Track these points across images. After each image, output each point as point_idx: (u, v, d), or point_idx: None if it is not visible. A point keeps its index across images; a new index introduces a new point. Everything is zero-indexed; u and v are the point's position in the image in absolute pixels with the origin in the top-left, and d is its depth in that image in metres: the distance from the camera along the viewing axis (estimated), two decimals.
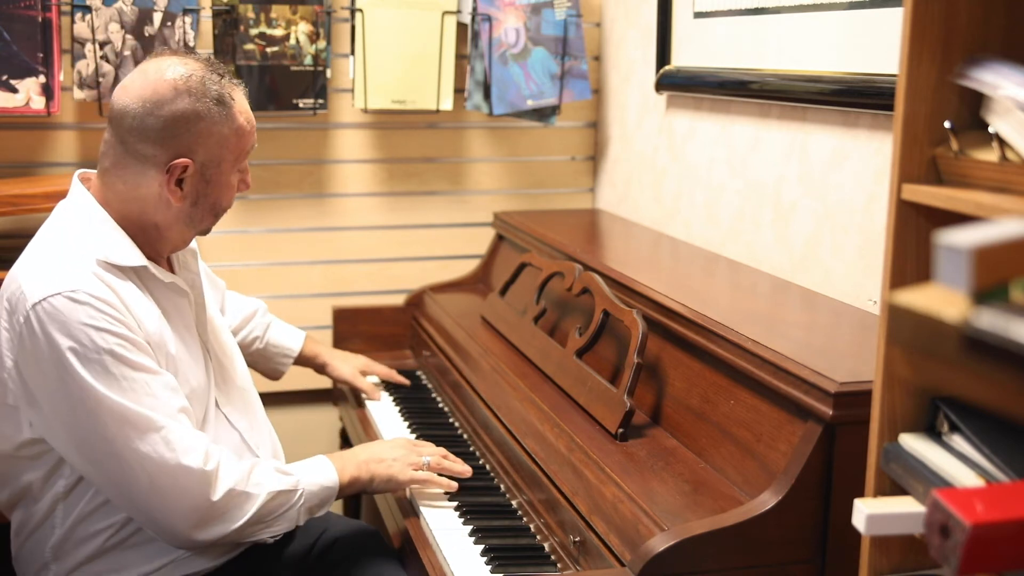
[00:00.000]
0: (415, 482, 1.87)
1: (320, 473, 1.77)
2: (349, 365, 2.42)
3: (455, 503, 1.88)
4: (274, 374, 2.35)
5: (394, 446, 1.90)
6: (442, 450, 1.94)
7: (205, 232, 1.78)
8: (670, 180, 2.64)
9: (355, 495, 1.96)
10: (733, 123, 2.34)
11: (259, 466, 1.70)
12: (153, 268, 1.69)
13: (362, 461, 1.83)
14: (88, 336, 1.54)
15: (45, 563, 1.68)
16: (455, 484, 1.89)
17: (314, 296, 2.86)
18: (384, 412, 2.35)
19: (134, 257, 1.66)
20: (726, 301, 1.98)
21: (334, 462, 1.80)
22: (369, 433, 2.27)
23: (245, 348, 2.25)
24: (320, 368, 2.41)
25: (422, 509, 1.86)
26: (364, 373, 2.45)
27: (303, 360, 2.37)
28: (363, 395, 2.41)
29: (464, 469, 1.92)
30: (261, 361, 2.32)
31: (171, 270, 1.80)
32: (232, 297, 2.26)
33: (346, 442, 2.71)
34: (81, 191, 1.70)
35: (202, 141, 1.65)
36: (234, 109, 1.68)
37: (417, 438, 2.19)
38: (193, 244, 1.91)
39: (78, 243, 1.64)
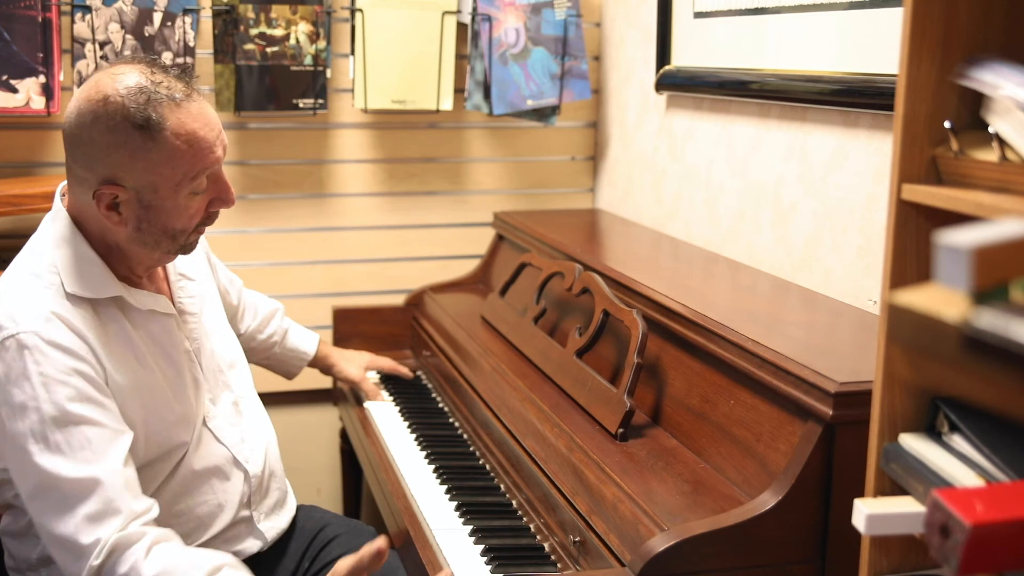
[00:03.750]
0: None
1: None
2: (354, 365, 2.42)
3: (455, 503, 1.88)
4: (287, 375, 2.34)
5: None
6: None
7: (180, 251, 1.65)
8: (670, 180, 2.64)
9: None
10: (733, 123, 2.34)
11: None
12: (129, 296, 1.62)
13: None
14: (30, 386, 1.50)
15: (33, 566, 1.68)
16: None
17: (314, 296, 2.86)
18: (384, 412, 2.35)
19: (106, 287, 1.59)
20: (726, 301, 1.98)
21: None
22: (369, 432, 2.27)
23: (263, 351, 2.24)
24: (327, 369, 2.41)
25: (422, 509, 1.86)
26: (370, 368, 2.46)
27: (315, 362, 2.36)
28: (364, 396, 2.42)
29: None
30: (276, 364, 2.31)
31: (164, 282, 1.75)
32: (250, 296, 2.22)
33: (346, 442, 2.71)
34: (59, 209, 1.63)
35: (127, 168, 1.52)
36: (165, 132, 1.51)
37: (417, 439, 2.19)
38: (202, 242, 1.87)
39: (49, 274, 1.57)
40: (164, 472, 1.68)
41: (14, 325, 1.51)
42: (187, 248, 1.66)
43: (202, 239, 1.88)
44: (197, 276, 1.83)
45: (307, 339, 2.33)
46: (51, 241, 1.61)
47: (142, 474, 1.63)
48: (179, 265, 1.78)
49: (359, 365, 2.43)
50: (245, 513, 1.79)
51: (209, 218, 1.65)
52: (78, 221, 1.62)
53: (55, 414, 1.50)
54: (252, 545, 1.80)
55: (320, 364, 2.38)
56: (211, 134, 1.57)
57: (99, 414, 1.53)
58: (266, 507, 1.84)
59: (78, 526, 1.49)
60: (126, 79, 1.53)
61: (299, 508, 1.97)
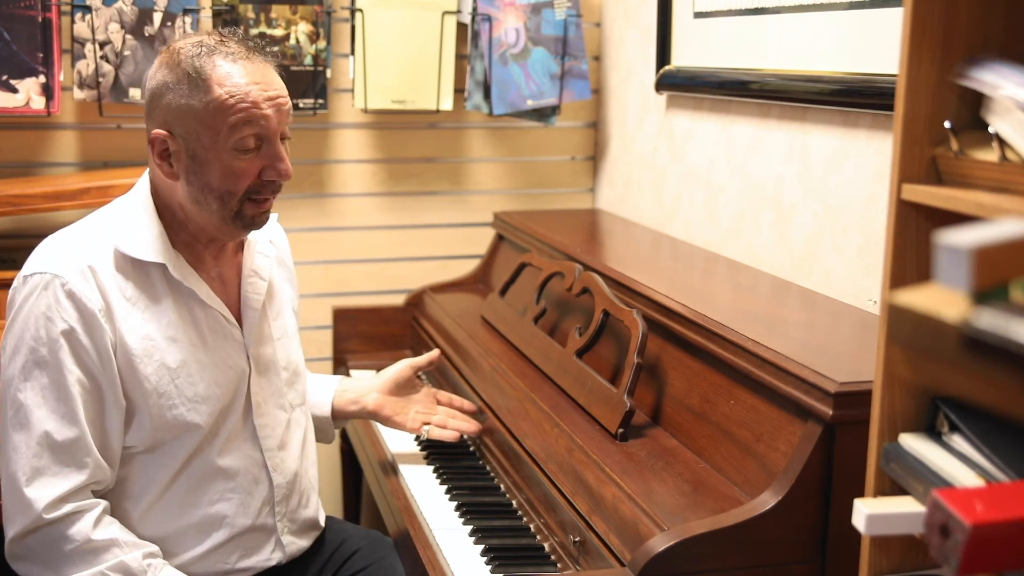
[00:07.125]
0: None
1: None
2: (411, 409, 2.06)
3: (455, 503, 1.88)
4: (325, 439, 2.08)
5: None
6: None
7: (239, 223, 1.63)
8: (670, 180, 2.64)
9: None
10: (733, 123, 2.34)
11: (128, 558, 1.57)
12: (172, 268, 1.63)
13: None
14: (36, 326, 1.56)
15: None
16: None
17: (314, 296, 2.86)
18: None
19: (154, 252, 1.62)
20: (726, 301, 1.98)
21: None
22: (368, 432, 2.27)
23: None
24: (384, 421, 2.07)
25: (422, 509, 1.86)
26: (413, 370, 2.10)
27: (346, 415, 2.06)
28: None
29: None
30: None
31: (236, 274, 1.74)
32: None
33: (346, 442, 2.71)
34: (142, 178, 1.70)
35: (173, 114, 1.58)
36: (211, 81, 1.56)
37: (416, 438, 2.19)
38: (279, 241, 1.86)
39: (104, 228, 1.64)
40: (179, 459, 1.65)
41: (46, 265, 1.58)
42: (245, 220, 1.63)
43: (286, 250, 1.90)
44: (272, 280, 1.81)
45: (320, 393, 2.04)
46: (129, 195, 1.69)
47: (154, 461, 1.64)
48: (255, 262, 1.77)
49: (415, 411, 2.06)
50: (268, 521, 1.74)
51: (264, 188, 1.62)
52: (153, 183, 1.68)
53: (48, 359, 1.55)
54: (272, 557, 1.76)
55: (356, 416, 2.07)
56: (259, 91, 1.59)
57: (87, 376, 1.58)
58: (294, 524, 1.80)
59: (39, 471, 1.55)
60: (194, 37, 1.63)
61: None
